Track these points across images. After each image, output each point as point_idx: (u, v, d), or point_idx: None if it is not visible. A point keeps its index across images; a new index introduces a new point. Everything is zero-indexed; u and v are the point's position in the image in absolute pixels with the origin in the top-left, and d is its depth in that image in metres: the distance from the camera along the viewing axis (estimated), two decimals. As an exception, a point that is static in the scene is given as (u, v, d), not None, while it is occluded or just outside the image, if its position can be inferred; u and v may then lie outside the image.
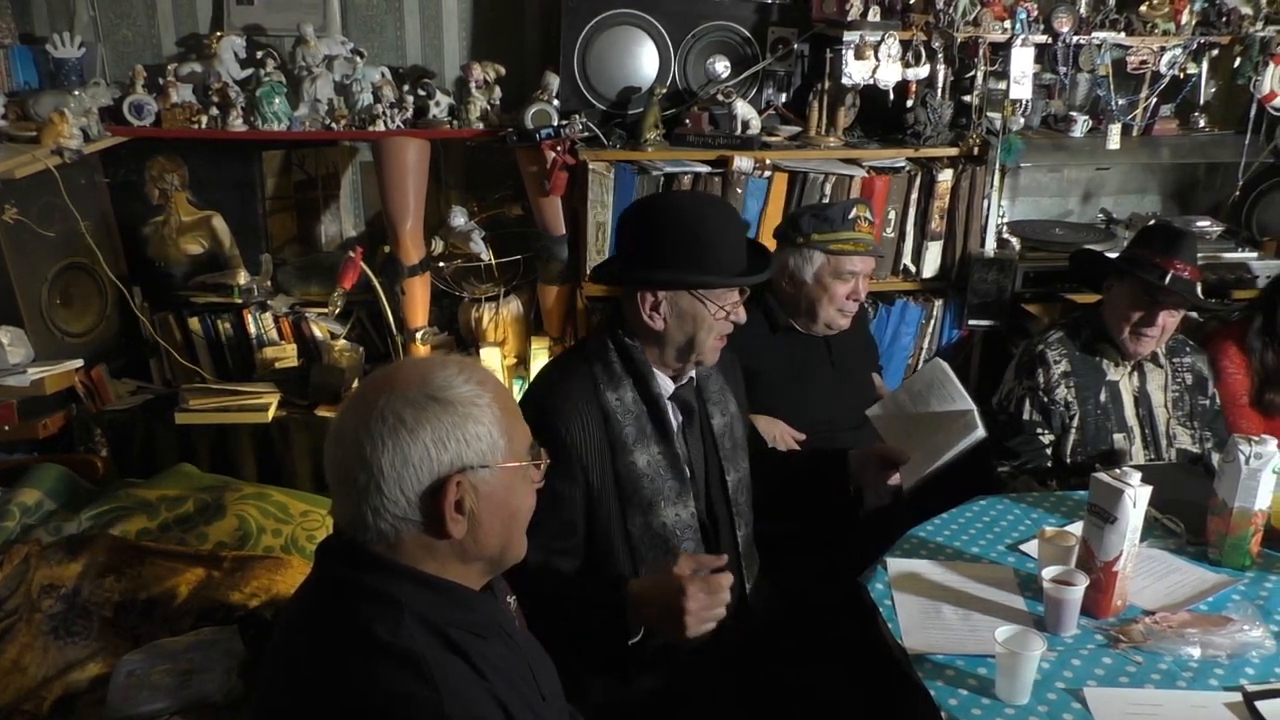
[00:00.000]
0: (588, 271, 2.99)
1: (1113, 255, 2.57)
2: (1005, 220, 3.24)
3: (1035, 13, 2.99)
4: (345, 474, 1.17)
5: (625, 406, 1.81)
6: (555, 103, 3.06)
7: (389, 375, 1.22)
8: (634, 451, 1.80)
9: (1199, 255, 3.13)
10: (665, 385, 1.87)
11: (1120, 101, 3.20)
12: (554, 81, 3.08)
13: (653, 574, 1.68)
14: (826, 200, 2.96)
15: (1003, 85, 3.03)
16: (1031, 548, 1.96)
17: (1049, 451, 2.49)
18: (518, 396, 1.83)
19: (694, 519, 1.86)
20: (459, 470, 1.18)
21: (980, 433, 2.00)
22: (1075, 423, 2.48)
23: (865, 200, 2.69)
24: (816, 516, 2.24)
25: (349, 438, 1.17)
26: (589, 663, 1.75)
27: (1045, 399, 2.47)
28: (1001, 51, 3.00)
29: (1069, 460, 2.49)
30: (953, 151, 3.09)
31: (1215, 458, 2.32)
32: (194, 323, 3.22)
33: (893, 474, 2.05)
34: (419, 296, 3.20)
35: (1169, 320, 2.41)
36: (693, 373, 1.92)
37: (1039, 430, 2.48)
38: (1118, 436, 2.48)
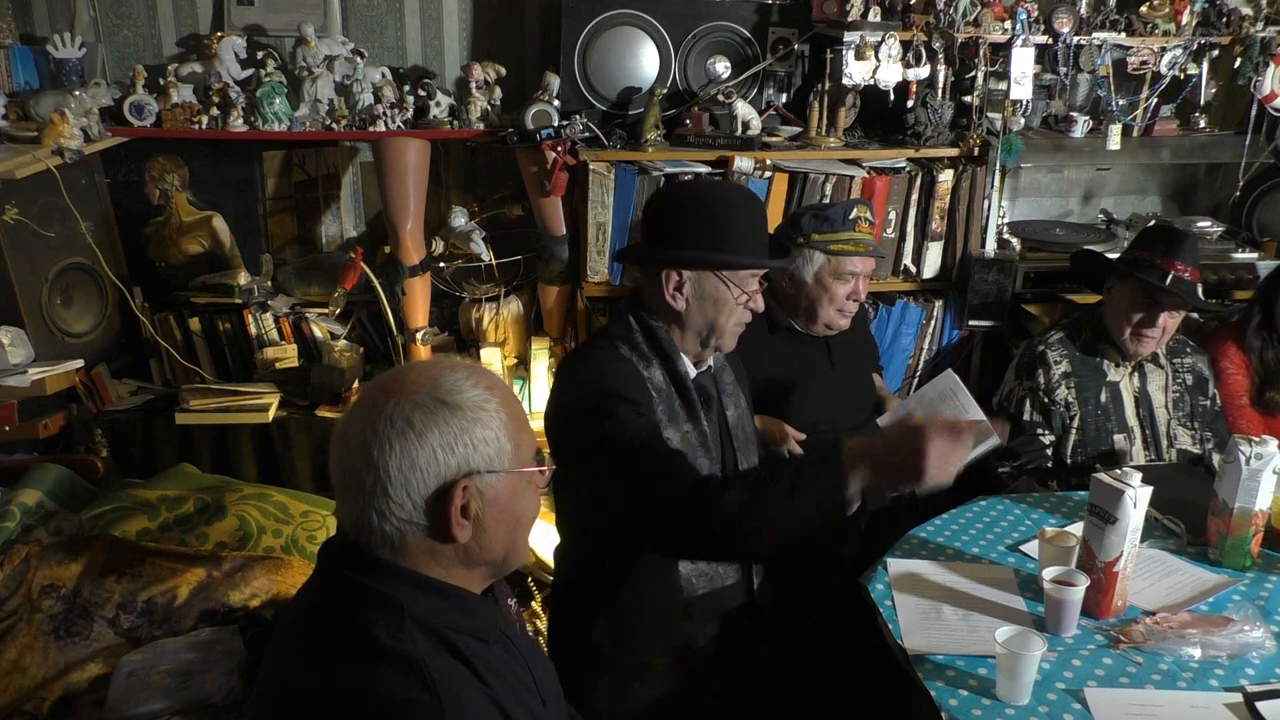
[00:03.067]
0: (588, 271, 2.99)
1: (1113, 256, 2.57)
2: (1005, 221, 3.24)
3: (1035, 13, 2.99)
4: (351, 476, 1.17)
5: (656, 384, 1.83)
6: (556, 103, 3.06)
7: (397, 378, 1.22)
8: (669, 428, 1.81)
9: (1203, 256, 3.15)
10: (689, 369, 1.89)
11: (1120, 102, 3.19)
12: (554, 82, 3.08)
13: (878, 433, 1.64)
14: (827, 201, 2.96)
15: (1003, 86, 3.03)
16: (1032, 548, 1.96)
17: (1050, 452, 2.49)
18: (519, 398, 1.82)
19: None
20: (465, 475, 1.18)
21: (994, 440, 2.00)
22: (1076, 423, 2.48)
23: (866, 200, 2.69)
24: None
25: (356, 440, 1.17)
26: (810, 529, 1.64)
27: (1046, 399, 2.48)
28: (1002, 52, 3.00)
29: (1069, 461, 2.49)
30: (953, 152, 3.08)
31: (1216, 458, 2.33)
32: (194, 323, 3.22)
33: None
34: (419, 297, 3.20)
35: (1170, 321, 2.41)
36: (711, 361, 1.93)
37: (1039, 431, 2.48)
38: (1118, 437, 2.48)
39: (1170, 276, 2.34)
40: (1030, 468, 2.46)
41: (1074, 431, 2.48)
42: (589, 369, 1.82)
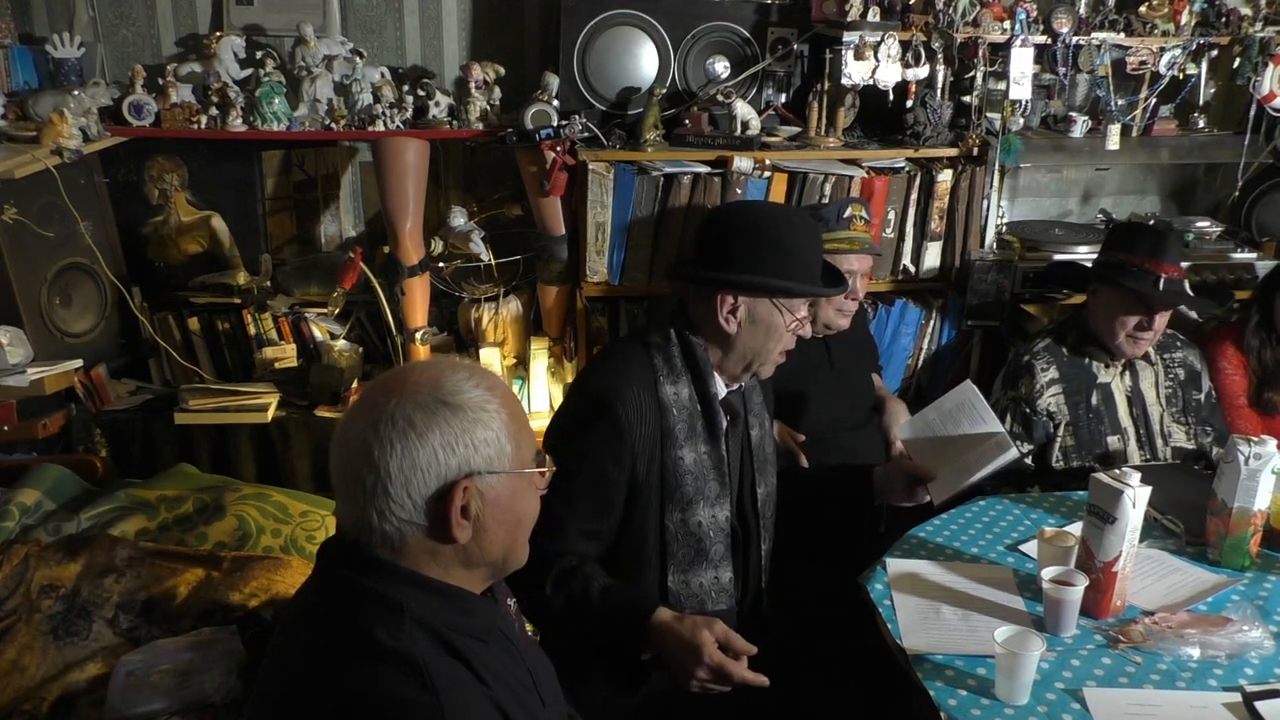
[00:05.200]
0: (588, 271, 2.99)
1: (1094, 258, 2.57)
2: (1005, 221, 3.24)
3: (1034, 13, 2.99)
4: (352, 476, 1.17)
5: (681, 401, 1.83)
6: (555, 103, 3.06)
7: (399, 378, 1.22)
8: (683, 447, 1.82)
9: (1202, 256, 3.15)
10: (719, 388, 1.89)
11: (1119, 102, 3.19)
12: (553, 82, 3.08)
13: (690, 617, 1.67)
14: (826, 200, 2.95)
15: (1002, 86, 3.03)
16: (1031, 548, 1.97)
17: (1029, 460, 2.49)
18: (519, 398, 1.82)
19: (727, 523, 1.88)
20: (466, 475, 1.18)
21: (1013, 452, 2.02)
22: (1063, 430, 2.47)
23: (860, 199, 2.69)
24: (838, 531, 2.24)
25: (357, 440, 1.17)
26: (597, 662, 1.77)
27: (1027, 409, 2.47)
28: (1001, 52, 3.00)
29: (1059, 465, 2.47)
30: (952, 152, 3.08)
31: (1216, 451, 2.32)
32: (193, 323, 3.22)
33: (918, 490, 2.05)
34: (418, 297, 3.20)
35: (1162, 320, 2.42)
36: (744, 382, 1.93)
37: (1016, 442, 2.47)
38: (1111, 439, 2.48)
39: (1162, 280, 2.33)
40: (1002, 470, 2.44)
41: (1060, 438, 2.47)
42: (604, 374, 1.83)
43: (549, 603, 1.71)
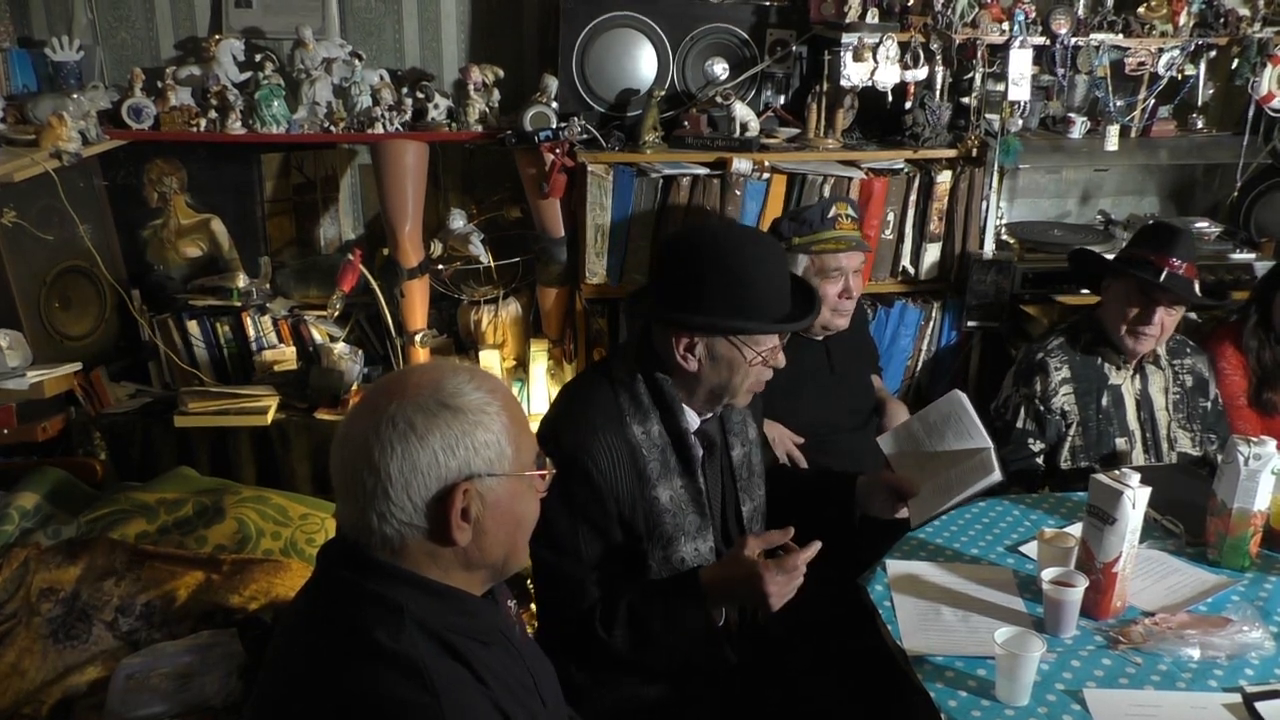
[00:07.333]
0: (587, 273, 2.99)
1: (1110, 256, 2.57)
2: (1004, 222, 3.24)
3: (1033, 14, 2.99)
4: (352, 478, 1.17)
5: (651, 440, 1.79)
6: (554, 105, 3.06)
7: (400, 381, 1.22)
8: (658, 486, 1.78)
9: (1201, 256, 3.15)
10: (691, 420, 1.84)
11: (1118, 103, 3.20)
12: (552, 84, 3.08)
13: (727, 556, 1.73)
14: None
15: (1001, 87, 3.03)
16: (1031, 549, 1.97)
17: (1040, 460, 2.49)
18: (519, 400, 1.81)
19: (711, 553, 1.86)
20: (466, 478, 1.18)
21: (996, 475, 1.95)
22: (1074, 430, 2.47)
23: (846, 197, 2.68)
24: (817, 534, 2.24)
25: (358, 442, 1.17)
26: (688, 661, 1.79)
27: (1041, 407, 2.47)
28: (1000, 53, 3.00)
29: (1067, 466, 2.48)
30: (951, 153, 3.09)
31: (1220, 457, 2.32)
32: (193, 326, 3.22)
33: (900, 505, 2.02)
34: (418, 299, 3.20)
35: (1167, 319, 2.41)
36: (717, 411, 1.90)
37: (1030, 439, 2.48)
38: (1119, 441, 2.48)
39: (1165, 273, 2.34)
40: (1013, 470, 2.44)
41: (1070, 438, 2.48)
42: (571, 425, 1.78)
43: (617, 644, 1.72)
